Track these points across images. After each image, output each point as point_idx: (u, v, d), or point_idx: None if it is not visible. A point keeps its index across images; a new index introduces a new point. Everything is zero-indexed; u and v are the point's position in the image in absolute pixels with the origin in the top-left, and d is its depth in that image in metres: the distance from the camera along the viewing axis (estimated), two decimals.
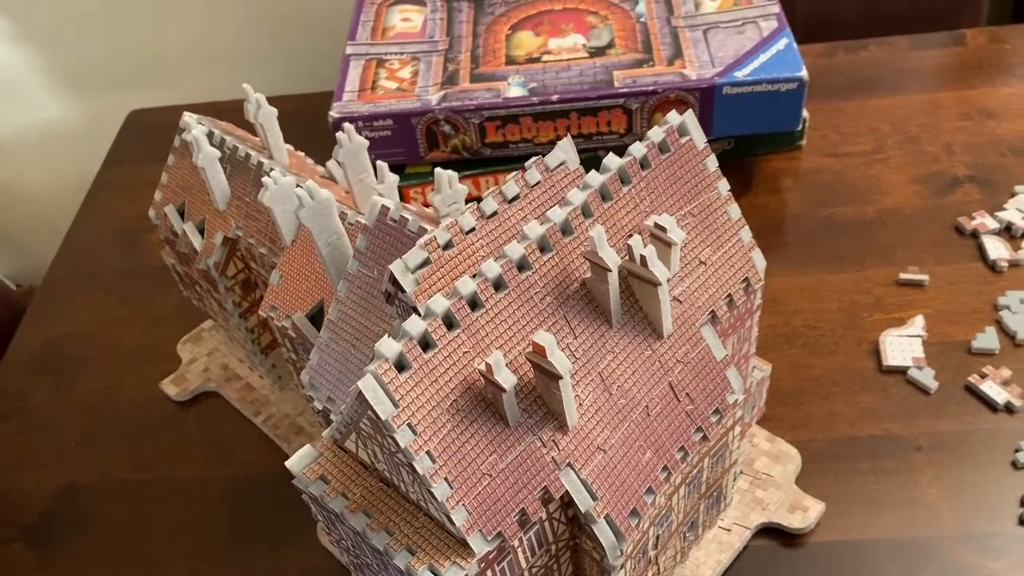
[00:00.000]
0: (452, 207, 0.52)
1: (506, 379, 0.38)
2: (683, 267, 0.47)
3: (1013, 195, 0.83)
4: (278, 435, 0.72)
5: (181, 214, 0.68)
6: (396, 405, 0.37)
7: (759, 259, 0.50)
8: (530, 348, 0.40)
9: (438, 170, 0.51)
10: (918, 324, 0.73)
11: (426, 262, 0.42)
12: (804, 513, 0.61)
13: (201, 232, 0.66)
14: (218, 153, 0.62)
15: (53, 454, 0.76)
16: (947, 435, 0.66)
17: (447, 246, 0.43)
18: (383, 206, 0.50)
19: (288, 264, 0.59)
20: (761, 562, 0.61)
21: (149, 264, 0.91)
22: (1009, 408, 0.66)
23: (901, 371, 0.70)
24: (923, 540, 0.61)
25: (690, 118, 0.48)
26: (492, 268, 0.41)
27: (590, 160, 0.88)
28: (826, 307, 0.76)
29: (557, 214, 0.43)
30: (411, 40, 0.93)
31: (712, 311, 0.48)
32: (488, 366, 0.38)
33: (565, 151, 0.46)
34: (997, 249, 0.77)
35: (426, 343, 0.39)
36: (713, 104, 0.83)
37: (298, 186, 0.58)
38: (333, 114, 0.85)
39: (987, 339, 0.71)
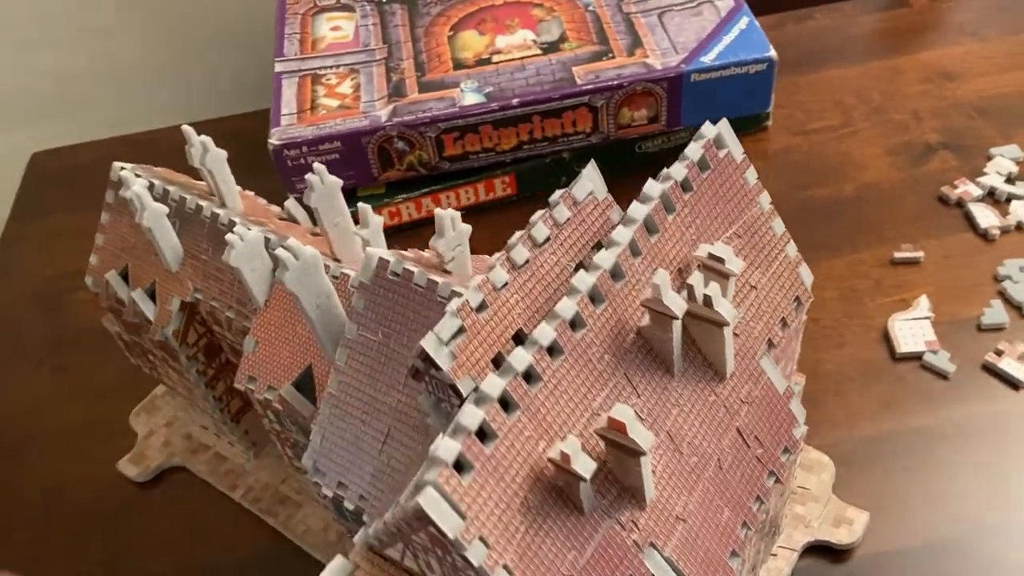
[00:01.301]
0: (457, 250, 0.46)
1: (585, 467, 0.32)
2: (735, 295, 0.42)
3: (989, 158, 0.81)
4: (261, 509, 0.65)
5: (125, 278, 0.59)
6: (463, 517, 0.31)
7: (806, 274, 0.46)
8: (591, 415, 0.34)
9: (438, 211, 0.45)
10: (924, 305, 0.70)
11: (460, 331, 0.36)
12: (850, 527, 0.58)
13: (152, 297, 0.58)
14: (164, 208, 0.54)
15: (2, 558, 0.66)
16: (975, 420, 0.63)
17: (480, 308, 0.37)
18: (381, 259, 0.44)
19: (264, 328, 0.52)
20: None
21: (81, 327, 0.81)
22: None
23: (915, 357, 0.67)
24: (972, 536, 0.58)
25: (725, 127, 0.43)
26: (546, 333, 0.35)
27: (555, 164, 0.83)
28: (825, 296, 0.73)
29: (605, 259, 0.37)
30: (345, 51, 0.86)
31: (768, 339, 0.43)
32: (564, 455, 0.32)
33: (591, 179, 0.41)
34: (986, 217, 0.75)
35: (484, 433, 0.33)
36: (681, 93, 0.78)
37: (267, 239, 0.51)
38: (273, 141, 0.77)
39: (995, 314, 0.69)
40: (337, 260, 0.53)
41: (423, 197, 0.82)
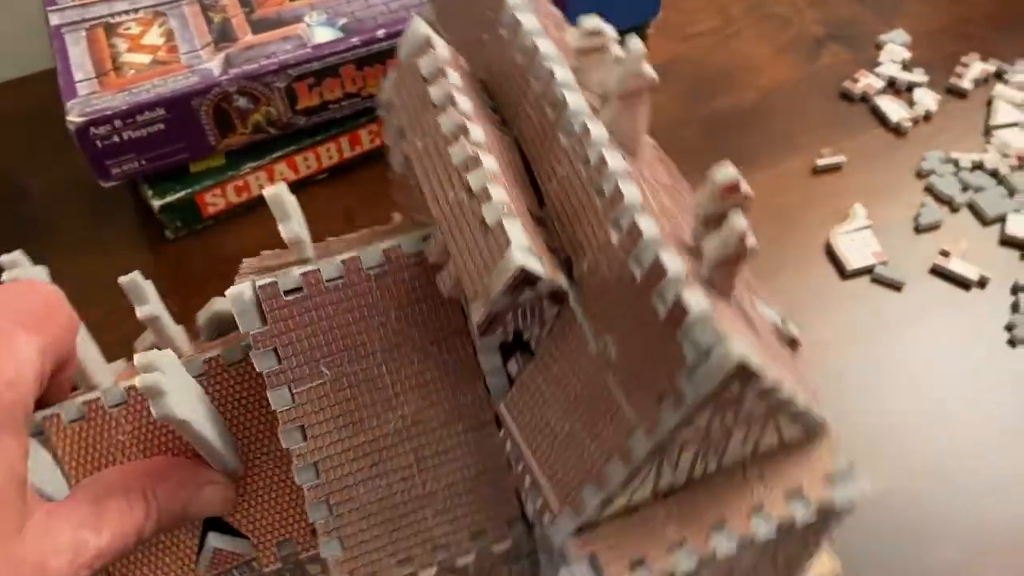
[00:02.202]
0: (301, 231, 0.34)
1: None
2: None
3: (879, 47, 0.77)
4: None
5: None
6: None
7: None
8: None
9: (267, 192, 0.32)
10: (860, 214, 0.66)
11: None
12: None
13: None
14: None
15: None
16: (942, 329, 0.60)
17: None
18: (262, 287, 0.32)
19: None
20: None
21: None
22: (982, 283, 0.62)
23: (866, 271, 0.63)
24: (976, 457, 0.54)
25: None
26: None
27: None
28: (755, 217, 0.66)
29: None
30: None
31: None
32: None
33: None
34: (895, 110, 0.72)
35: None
36: (566, 3, 0.67)
37: None
38: (73, 118, 0.59)
39: (929, 212, 0.65)
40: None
41: (275, 163, 0.67)
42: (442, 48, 0.32)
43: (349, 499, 0.32)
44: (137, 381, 0.29)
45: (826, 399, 0.56)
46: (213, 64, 0.62)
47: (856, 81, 0.74)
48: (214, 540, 0.34)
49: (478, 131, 0.30)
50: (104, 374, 0.35)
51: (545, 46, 0.32)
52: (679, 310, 0.24)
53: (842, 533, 0.33)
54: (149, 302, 0.34)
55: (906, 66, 0.75)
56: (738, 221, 0.25)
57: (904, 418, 0.56)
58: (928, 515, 0.52)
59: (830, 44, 0.78)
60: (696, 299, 0.24)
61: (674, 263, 0.25)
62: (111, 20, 0.65)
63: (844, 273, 0.63)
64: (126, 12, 0.65)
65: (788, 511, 0.29)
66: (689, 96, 0.75)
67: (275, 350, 0.32)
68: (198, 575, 0.34)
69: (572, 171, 0.30)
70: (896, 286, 0.62)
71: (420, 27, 0.32)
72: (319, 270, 0.32)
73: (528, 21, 0.33)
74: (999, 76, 0.74)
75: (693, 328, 0.24)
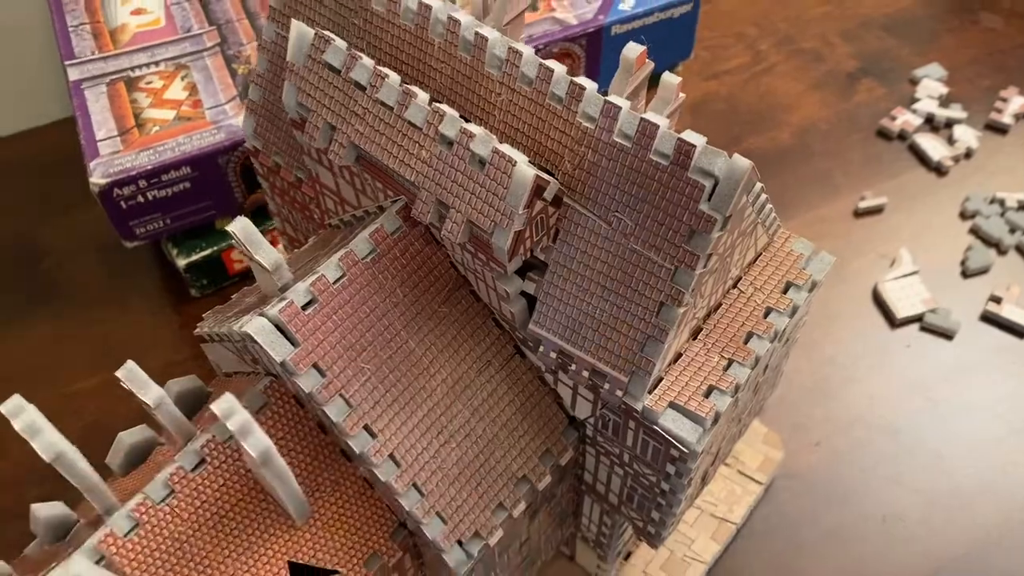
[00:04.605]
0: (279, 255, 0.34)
1: None
2: None
3: (915, 81, 0.76)
4: None
5: None
6: None
7: None
8: None
9: (239, 226, 0.33)
10: (907, 259, 0.64)
11: None
12: None
13: None
14: None
15: None
16: (998, 380, 0.58)
17: None
18: (284, 309, 0.32)
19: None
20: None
21: None
22: None
23: (916, 319, 0.61)
24: None
25: None
26: None
27: None
28: None
29: None
30: (160, 41, 0.66)
31: None
32: None
33: None
34: (935, 149, 0.70)
35: None
36: (601, 50, 0.66)
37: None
38: (97, 180, 0.57)
39: (978, 256, 0.63)
40: None
41: None
42: (336, 38, 0.33)
43: (432, 473, 0.33)
44: (229, 426, 0.29)
45: (883, 458, 0.54)
46: (239, 120, 0.60)
47: (893, 119, 0.72)
48: None
49: (422, 92, 0.31)
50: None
51: (431, 1, 0.33)
52: (686, 148, 0.28)
53: None
54: (151, 389, 0.33)
55: (943, 102, 0.73)
56: (669, 77, 0.33)
57: (968, 479, 0.54)
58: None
59: (863, 79, 0.76)
60: (694, 136, 0.28)
61: (658, 118, 0.28)
62: (132, 74, 0.63)
63: (894, 322, 0.61)
64: (147, 65, 0.64)
65: (790, 300, 0.34)
66: (722, 135, 0.73)
67: (315, 366, 0.32)
68: None
69: (514, 95, 0.32)
70: (948, 335, 0.60)
71: (303, 28, 0.33)
72: (323, 275, 0.32)
73: None
74: None
75: (702, 157, 0.28)
